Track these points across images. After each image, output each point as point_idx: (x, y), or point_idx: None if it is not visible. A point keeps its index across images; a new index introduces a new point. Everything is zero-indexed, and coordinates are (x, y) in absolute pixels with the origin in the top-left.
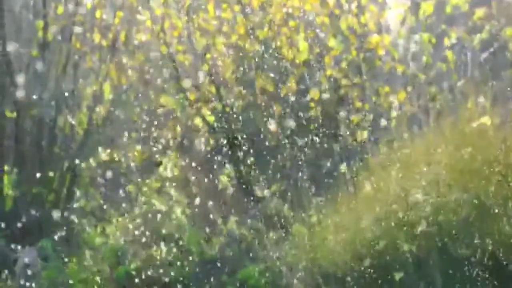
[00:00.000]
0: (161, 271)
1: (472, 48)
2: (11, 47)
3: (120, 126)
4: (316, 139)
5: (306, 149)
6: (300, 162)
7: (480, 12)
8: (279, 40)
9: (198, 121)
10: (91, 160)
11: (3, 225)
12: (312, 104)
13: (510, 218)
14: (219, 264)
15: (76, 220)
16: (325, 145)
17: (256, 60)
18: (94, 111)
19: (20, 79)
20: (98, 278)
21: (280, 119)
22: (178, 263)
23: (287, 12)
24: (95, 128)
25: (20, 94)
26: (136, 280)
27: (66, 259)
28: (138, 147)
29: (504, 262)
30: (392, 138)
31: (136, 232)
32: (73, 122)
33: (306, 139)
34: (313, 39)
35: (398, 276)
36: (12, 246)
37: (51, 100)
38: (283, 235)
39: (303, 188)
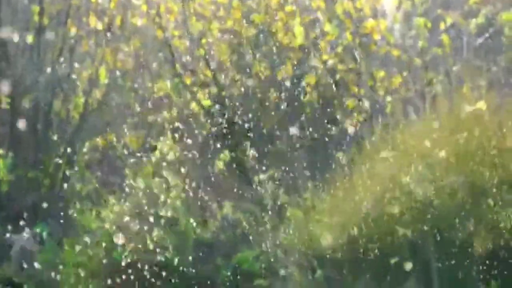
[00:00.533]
0: (156, 255)
1: (468, 32)
2: (6, 31)
3: (116, 111)
4: (312, 123)
5: (302, 134)
6: (296, 147)
7: None
8: (275, 25)
9: (194, 105)
10: (86, 144)
11: None
12: (308, 89)
13: (504, 202)
14: (214, 248)
15: (71, 204)
16: (321, 130)
17: (252, 45)
18: (90, 96)
19: (16, 63)
20: (93, 262)
21: (275, 104)
22: (173, 247)
23: None
24: (91, 112)
25: (15, 78)
26: (131, 264)
27: (61, 243)
28: (134, 132)
29: (499, 246)
30: (388, 123)
31: (132, 216)
32: (69, 107)
33: (301, 123)
34: (309, 24)
35: (393, 260)
36: (8, 230)
37: (46, 84)
38: (279, 219)
39: (299, 173)
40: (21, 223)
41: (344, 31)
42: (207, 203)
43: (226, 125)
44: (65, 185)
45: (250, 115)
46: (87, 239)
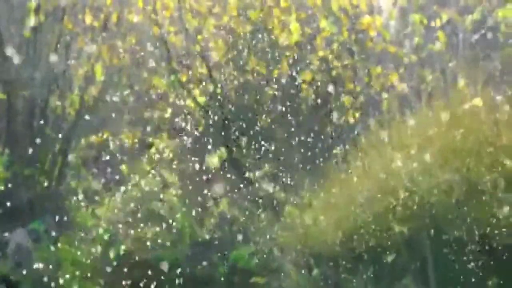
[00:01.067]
0: (152, 252)
1: (463, 29)
2: (2, 27)
3: (112, 107)
4: (308, 120)
5: (298, 130)
6: (292, 143)
7: None
8: (270, 21)
9: (189, 102)
10: (82, 141)
11: None
12: (303, 86)
13: (500, 198)
14: (210, 246)
15: (67, 201)
16: (317, 126)
17: (248, 41)
18: (86, 92)
19: (12, 59)
20: (89, 259)
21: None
22: (170, 244)
23: None
24: (87, 109)
25: (11, 74)
26: (127, 261)
27: (57, 240)
28: (130, 128)
29: (495, 242)
30: (384, 119)
31: (128, 214)
32: (65, 103)
33: (297, 120)
34: (305, 20)
35: (390, 257)
36: (4, 227)
37: (42, 81)
38: (275, 216)
39: (295, 169)
40: (17, 220)
41: (340, 28)
42: (203, 200)
43: (221, 122)
44: (61, 182)
45: (246, 112)
46: (83, 236)
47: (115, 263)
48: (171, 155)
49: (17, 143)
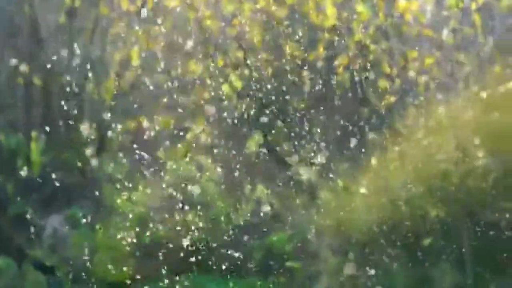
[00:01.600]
0: (188, 237)
1: (499, 12)
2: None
3: (148, 92)
4: (344, 104)
5: (334, 115)
6: (328, 128)
7: None
8: (307, 5)
9: (225, 87)
10: (119, 127)
11: (31, 191)
12: (339, 70)
13: None
14: (246, 230)
15: (104, 187)
16: (353, 110)
17: (284, 25)
18: (122, 77)
19: (48, 46)
20: (125, 244)
21: (308, 85)
22: (206, 229)
23: None
24: (123, 94)
25: (47, 60)
26: (163, 246)
27: (94, 225)
28: (166, 114)
29: None
30: (420, 103)
31: (164, 199)
32: (101, 89)
33: (333, 104)
34: (341, 4)
35: (426, 242)
36: (40, 212)
37: (79, 66)
38: (311, 201)
39: (331, 154)
40: (53, 205)
41: (377, 12)
42: (240, 185)
43: (258, 107)
44: (98, 168)
45: (282, 97)
46: (119, 221)
47: (151, 248)
48: (207, 140)
49: (53, 128)
